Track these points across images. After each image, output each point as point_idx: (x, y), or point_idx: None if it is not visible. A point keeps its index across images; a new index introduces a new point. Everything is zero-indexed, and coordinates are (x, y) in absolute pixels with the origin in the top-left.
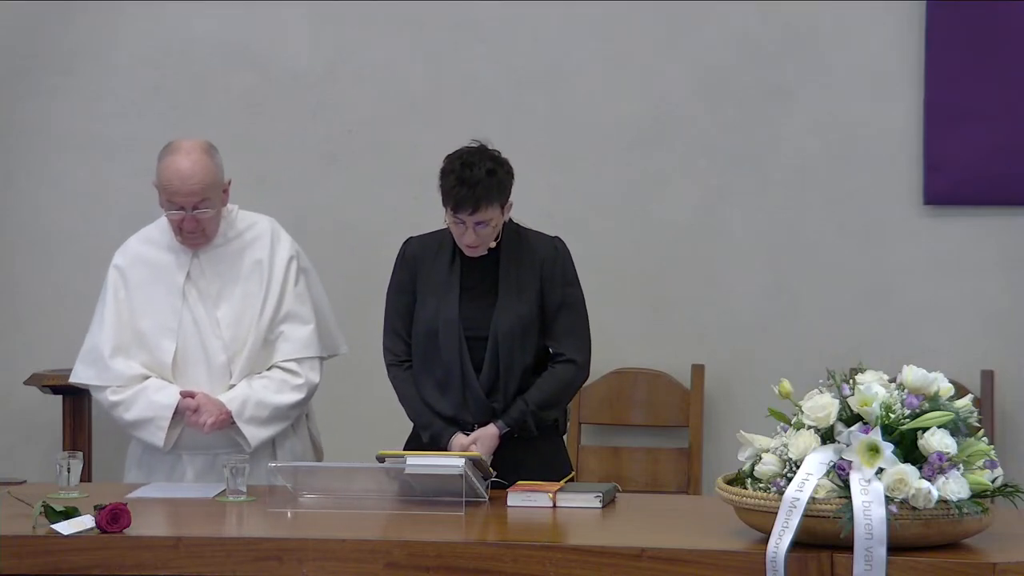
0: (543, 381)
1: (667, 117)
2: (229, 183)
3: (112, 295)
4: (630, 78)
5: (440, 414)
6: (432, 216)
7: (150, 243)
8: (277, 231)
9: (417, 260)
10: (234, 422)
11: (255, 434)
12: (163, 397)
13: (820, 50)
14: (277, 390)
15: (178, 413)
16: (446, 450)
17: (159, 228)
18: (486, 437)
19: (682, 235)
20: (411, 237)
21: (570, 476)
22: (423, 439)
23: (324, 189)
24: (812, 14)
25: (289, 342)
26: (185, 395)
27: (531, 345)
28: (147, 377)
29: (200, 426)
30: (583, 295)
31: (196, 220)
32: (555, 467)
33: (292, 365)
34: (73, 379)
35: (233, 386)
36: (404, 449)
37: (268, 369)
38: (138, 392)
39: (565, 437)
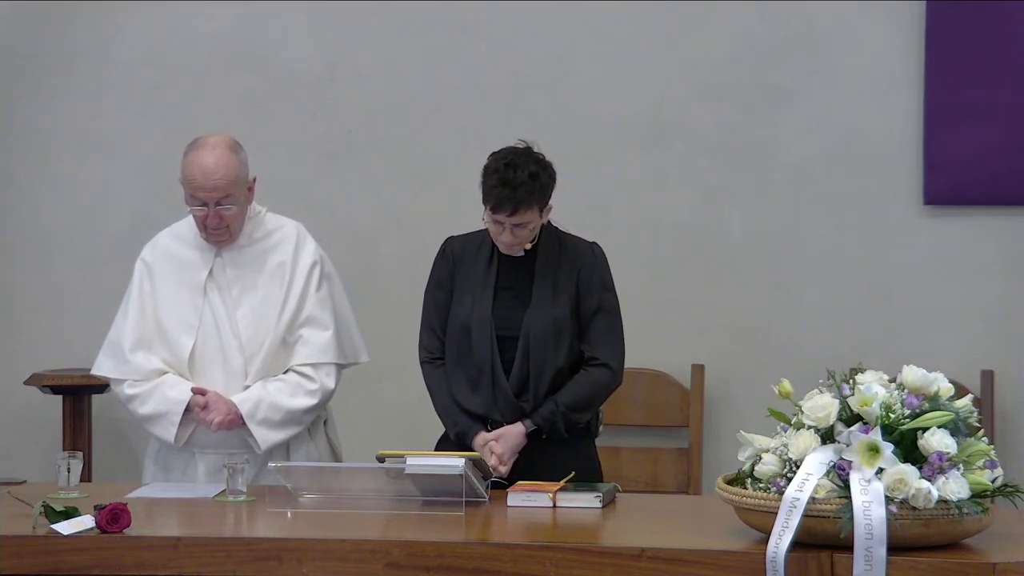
0: (575, 383)
1: (667, 117)
2: (254, 181)
3: (137, 289)
4: (630, 78)
5: (471, 412)
6: (431, 215)
7: (178, 239)
8: (303, 235)
9: (456, 258)
10: (245, 423)
11: (266, 436)
12: (177, 393)
13: (820, 50)
14: (291, 394)
15: (189, 409)
16: (471, 448)
17: (188, 224)
18: (510, 435)
19: (682, 235)
20: (451, 236)
21: (570, 476)
22: (450, 436)
23: (324, 189)
24: (812, 14)
25: (307, 346)
26: (197, 391)
27: (564, 348)
28: (165, 372)
29: (208, 424)
30: (618, 301)
31: (220, 216)
32: (585, 470)
33: (308, 370)
34: (94, 370)
35: (248, 387)
36: (436, 448)
37: (284, 372)
38: (154, 387)
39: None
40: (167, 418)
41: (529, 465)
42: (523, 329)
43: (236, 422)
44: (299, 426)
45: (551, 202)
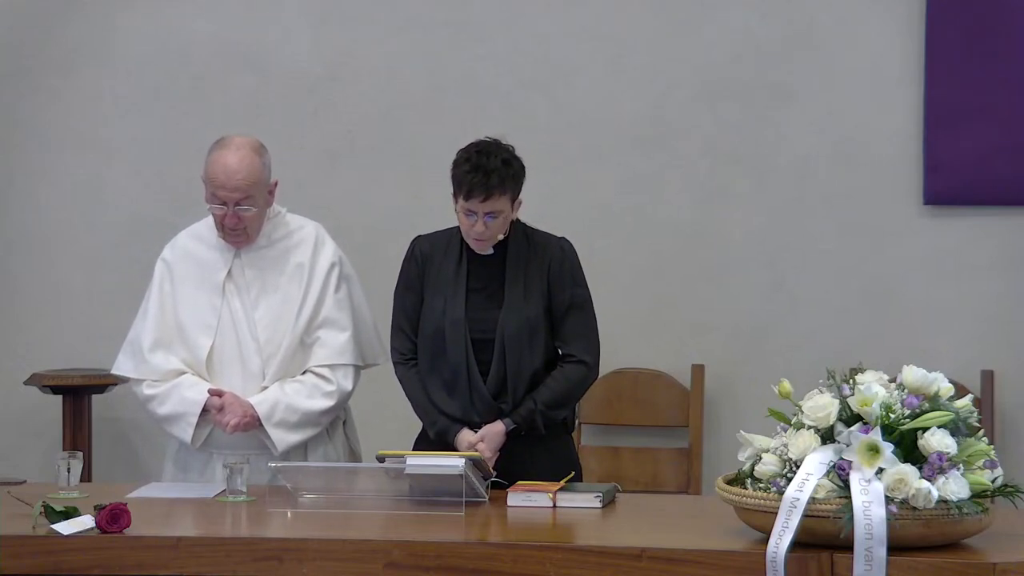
0: (552, 380)
1: (667, 117)
2: (275, 184)
3: (157, 288)
4: (630, 78)
5: (448, 414)
6: (432, 216)
7: (198, 239)
8: (322, 236)
9: (425, 259)
10: (262, 425)
11: (283, 438)
12: (194, 394)
13: (820, 50)
14: (308, 395)
15: (206, 410)
16: (452, 445)
17: (207, 225)
18: (492, 435)
19: (682, 235)
20: (419, 236)
21: (570, 476)
22: (430, 435)
23: (324, 189)
24: (812, 14)
25: (325, 348)
26: (213, 393)
27: (539, 347)
28: (183, 373)
29: (223, 426)
30: (591, 296)
31: (238, 217)
32: (564, 466)
33: (325, 371)
34: (113, 370)
35: (266, 388)
36: (414, 447)
37: (302, 374)
38: (172, 387)
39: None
40: (184, 419)
41: (507, 462)
42: (498, 330)
43: (252, 424)
44: (316, 428)
45: (521, 198)
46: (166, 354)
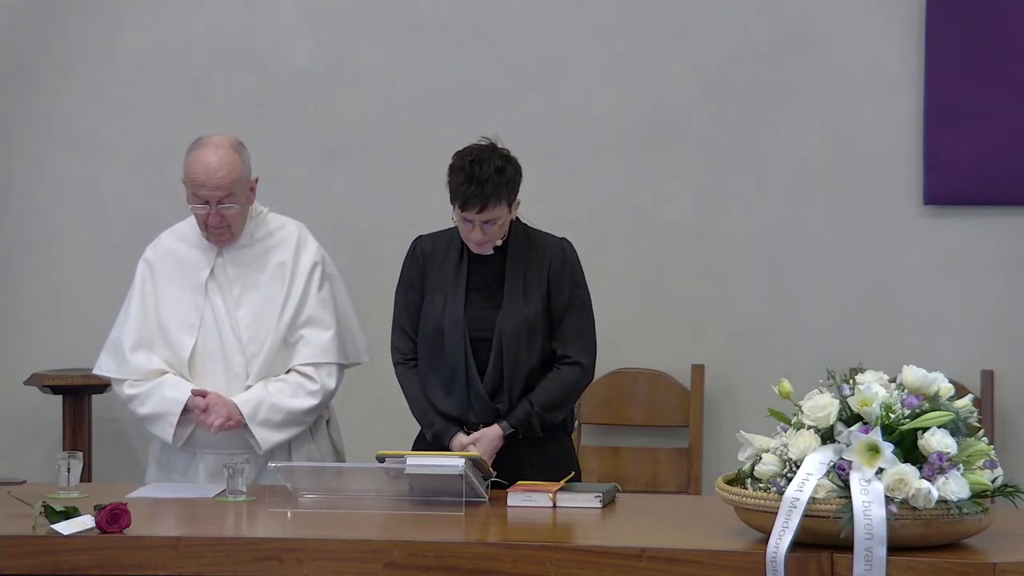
0: (548, 382)
1: (667, 116)
2: (256, 181)
3: (139, 288)
4: (630, 78)
5: (445, 414)
6: (431, 216)
7: (180, 239)
8: (304, 236)
9: (427, 258)
10: (246, 424)
11: (267, 437)
12: (176, 393)
13: (820, 50)
14: (292, 394)
15: (188, 410)
16: (448, 449)
17: (190, 224)
18: (488, 438)
19: (682, 235)
20: (421, 235)
21: (570, 476)
22: (426, 437)
23: (324, 189)
24: (812, 14)
25: (308, 346)
26: (197, 393)
27: (537, 347)
28: (165, 372)
29: (207, 426)
30: (590, 297)
31: (221, 215)
32: (562, 467)
33: (309, 370)
34: (95, 370)
35: (249, 387)
36: (413, 448)
37: (286, 372)
38: (153, 387)
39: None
40: (165, 418)
41: (506, 463)
42: (496, 330)
43: (236, 425)
44: (300, 427)
45: (519, 197)
46: (148, 354)
